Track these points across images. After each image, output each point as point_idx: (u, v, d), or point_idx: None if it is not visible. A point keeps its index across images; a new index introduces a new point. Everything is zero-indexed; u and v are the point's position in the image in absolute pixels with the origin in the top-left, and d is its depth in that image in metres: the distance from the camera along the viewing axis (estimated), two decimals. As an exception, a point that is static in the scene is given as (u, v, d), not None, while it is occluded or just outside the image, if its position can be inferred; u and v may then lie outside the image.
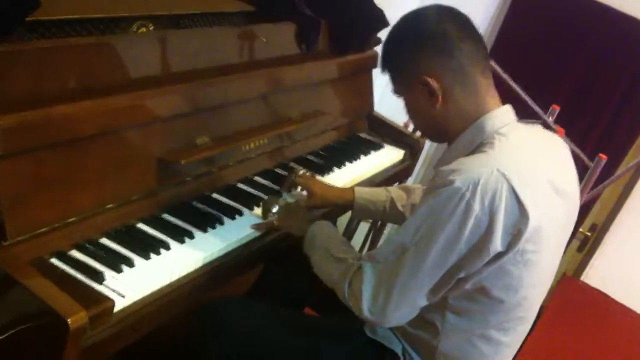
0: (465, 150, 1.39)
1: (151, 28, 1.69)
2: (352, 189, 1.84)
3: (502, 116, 1.39)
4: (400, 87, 1.46)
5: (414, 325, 1.45)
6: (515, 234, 1.28)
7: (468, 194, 1.25)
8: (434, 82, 1.36)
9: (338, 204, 1.84)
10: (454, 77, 1.36)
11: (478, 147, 1.37)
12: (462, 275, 1.32)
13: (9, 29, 1.26)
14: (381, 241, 2.75)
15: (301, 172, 1.82)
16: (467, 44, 1.36)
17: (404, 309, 1.37)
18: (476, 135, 1.38)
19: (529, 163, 1.34)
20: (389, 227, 2.84)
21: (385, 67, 1.48)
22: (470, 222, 1.26)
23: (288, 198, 1.76)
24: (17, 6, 1.25)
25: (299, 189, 1.82)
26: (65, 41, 1.45)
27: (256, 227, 1.64)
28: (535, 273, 1.37)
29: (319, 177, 1.89)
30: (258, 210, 1.70)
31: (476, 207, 1.25)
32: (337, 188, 1.87)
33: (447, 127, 1.42)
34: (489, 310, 1.38)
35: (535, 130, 1.50)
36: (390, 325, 1.41)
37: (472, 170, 1.27)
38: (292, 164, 1.99)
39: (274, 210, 1.65)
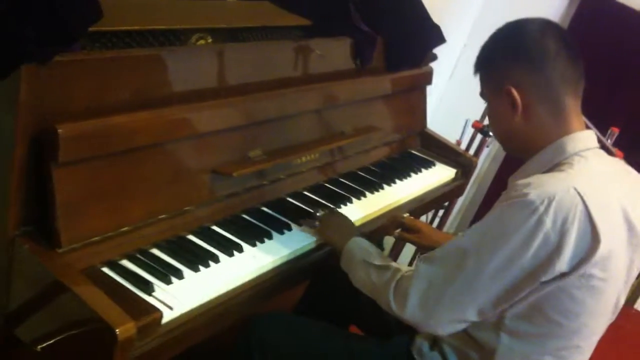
0: (542, 167, 1.37)
1: (209, 41, 1.70)
2: (455, 234, 1.82)
3: (585, 140, 1.37)
4: (486, 91, 1.46)
5: (465, 347, 1.41)
6: (583, 258, 1.24)
7: (542, 208, 1.22)
8: (517, 95, 1.35)
9: None
10: (541, 94, 1.36)
11: (556, 165, 1.35)
12: (524, 292, 1.28)
13: (71, 39, 1.27)
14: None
15: (406, 214, 1.89)
16: (563, 62, 1.36)
17: (451, 317, 1.34)
18: (556, 154, 1.36)
19: (606, 189, 1.31)
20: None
21: (477, 68, 1.48)
22: (539, 238, 1.23)
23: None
24: (80, 17, 1.27)
25: None
26: (126, 52, 1.47)
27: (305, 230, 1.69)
28: (599, 302, 1.32)
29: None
30: (306, 226, 1.70)
31: (548, 223, 1.22)
32: (442, 232, 1.94)
33: (524, 141, 1.40)
34: (546, 333, 1.34)
35: (615, 162, 1.47)
36: (430, 329, 1.38)
37: (549, 185, 1.25)
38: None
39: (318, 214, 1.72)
